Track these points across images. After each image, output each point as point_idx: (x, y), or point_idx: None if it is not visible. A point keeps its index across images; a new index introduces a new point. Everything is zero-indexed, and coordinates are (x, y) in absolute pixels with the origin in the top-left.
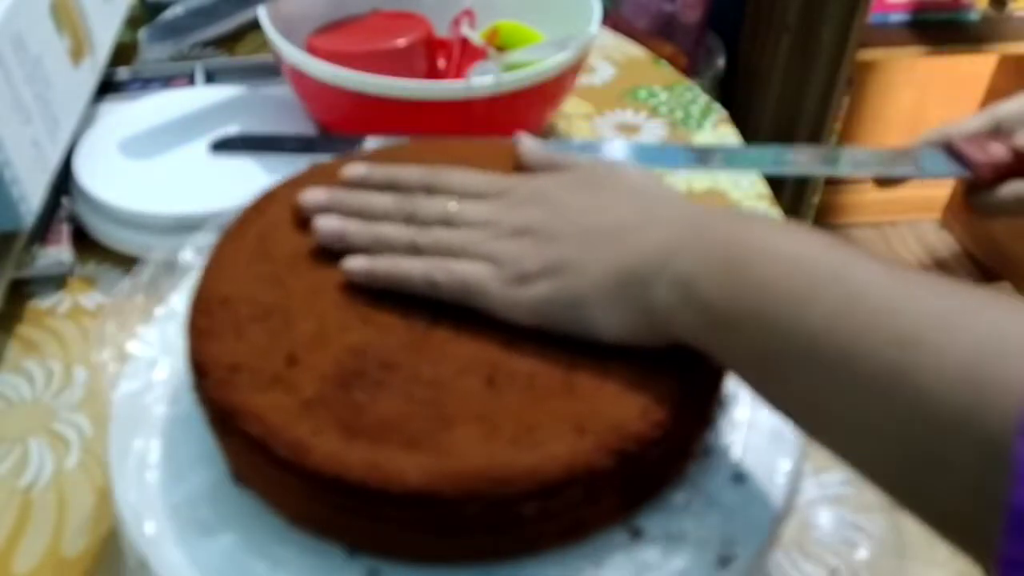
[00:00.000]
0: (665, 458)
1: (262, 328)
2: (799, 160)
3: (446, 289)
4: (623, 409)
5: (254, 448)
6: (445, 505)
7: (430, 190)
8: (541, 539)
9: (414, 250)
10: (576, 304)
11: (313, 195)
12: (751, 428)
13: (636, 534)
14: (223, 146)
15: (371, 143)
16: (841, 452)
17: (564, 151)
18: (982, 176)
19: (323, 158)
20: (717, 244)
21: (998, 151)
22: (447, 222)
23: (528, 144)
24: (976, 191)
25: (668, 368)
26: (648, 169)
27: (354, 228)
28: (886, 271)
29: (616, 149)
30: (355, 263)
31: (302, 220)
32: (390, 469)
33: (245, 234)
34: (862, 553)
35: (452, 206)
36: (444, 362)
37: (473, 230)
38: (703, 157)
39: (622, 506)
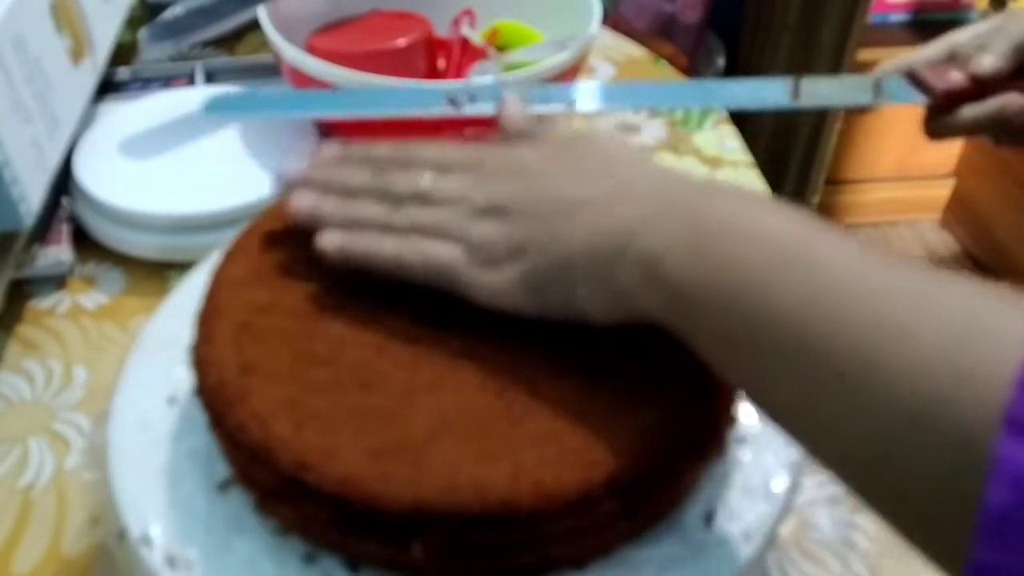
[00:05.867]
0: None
1: (279, 342)
2: (760, 95)
3: (419, 272)
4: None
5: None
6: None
7: (404, 164)
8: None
9: (388, 229)
10: (547, 285)
11: (294, 169)
12: (750, 427)
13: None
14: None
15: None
16: (805, 441)
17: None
18: (941, 102)
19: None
20: (684, 221)
21: (956, 77)
22: (421, 198)
23: (512, 106)
24: (934, 116)
25: (680, 373)
26: (626, 140)
27: (329, 207)
28: (855, 253)
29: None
30: (328, 239)
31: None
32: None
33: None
34: (862, 553)
35: (425, 180)
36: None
37: (446, 208)
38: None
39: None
